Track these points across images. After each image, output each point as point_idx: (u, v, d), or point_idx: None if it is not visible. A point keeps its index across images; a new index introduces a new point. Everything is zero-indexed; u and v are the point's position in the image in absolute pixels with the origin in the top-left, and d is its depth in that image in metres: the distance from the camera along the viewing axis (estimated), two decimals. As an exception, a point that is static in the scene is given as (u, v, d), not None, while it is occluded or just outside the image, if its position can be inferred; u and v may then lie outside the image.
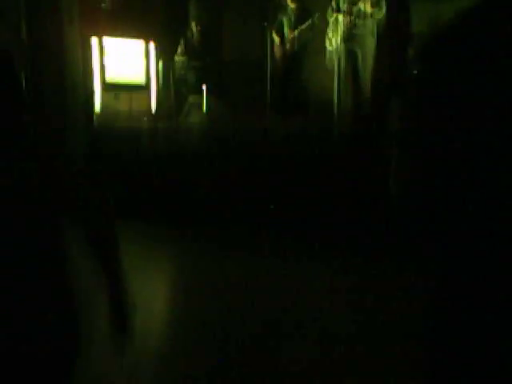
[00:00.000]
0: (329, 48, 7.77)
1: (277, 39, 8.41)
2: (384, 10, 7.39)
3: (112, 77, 8.46)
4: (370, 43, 7.59)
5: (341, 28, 7.50)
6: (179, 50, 9.02)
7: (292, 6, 8.29)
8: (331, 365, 3.66)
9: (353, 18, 7.47)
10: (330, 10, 7.69)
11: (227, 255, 5.74)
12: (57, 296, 1.92)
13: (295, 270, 5.31)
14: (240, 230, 6.21)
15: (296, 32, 8.20)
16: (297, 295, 4.72)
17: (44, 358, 1.87)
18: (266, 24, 8.35)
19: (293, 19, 8.32)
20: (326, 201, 6.26)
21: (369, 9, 7.35)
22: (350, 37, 7.55)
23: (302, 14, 8.26)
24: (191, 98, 7.92)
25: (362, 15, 7.47)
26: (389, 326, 4.11)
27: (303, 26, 8.14)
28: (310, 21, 8.08)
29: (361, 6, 7.42)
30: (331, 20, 7.66)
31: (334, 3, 7.66)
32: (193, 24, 9.08)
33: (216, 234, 6.25)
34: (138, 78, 8.79)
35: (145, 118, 8.15)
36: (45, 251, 1.89)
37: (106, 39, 8.52)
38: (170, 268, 5.90)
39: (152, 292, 4.87)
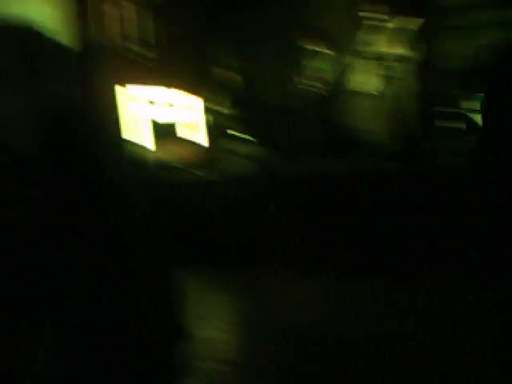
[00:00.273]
0: (368, 90, 7.81)
1: (310, 81, 8.49)
2: (422, 53, 7.44)
3: (157, 126, 8.66)
4: (410, 86, 7.62)
5: (380, 71, 7.55)
6: (219, 99, 9.22)
7: (326, 50, 8.38)
8: None
9: (391, 60, 7.53)
10: (365, 53, 7.76)
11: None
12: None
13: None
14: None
15: (333, 75, 8.26)
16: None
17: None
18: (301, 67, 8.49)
19: (328, 63, 8.40)
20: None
21: (408, 51, 7.42)
22: (389, 79, 7.58)
23: (337, 58, 8.35)
24: (231, 146, 8.05)
25: (400, 58, 7.52)
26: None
27: (339, 69, 8.21)
28: (345, 65, 8.14)
29: (398, 49, 7.48)
30: (369, 63, 7.71)
31: (369, 46, 7.74)
32: (235, 76, 9.28)
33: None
34: (184, 127, 8.99)
35: (191, 169, 8.28)
36: None
37: (151, 89, 8.75)
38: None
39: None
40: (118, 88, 8.23)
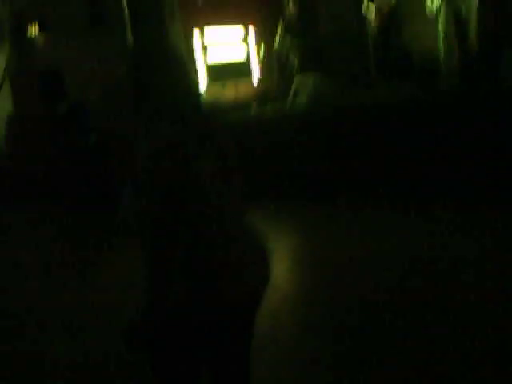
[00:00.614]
0: (430, 7, 7.53)
1: (372, 5, 8.25)
2: None
3: (216, 64, 8.66)
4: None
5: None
6: (278, 30, 9.08)
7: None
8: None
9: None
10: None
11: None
12: None
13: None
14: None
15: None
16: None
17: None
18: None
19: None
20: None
21: None
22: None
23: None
24: (296, 79, 7.93)
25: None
26: None
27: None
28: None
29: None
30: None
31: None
32: (289, 2, 9.10)
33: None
34: (241, 63, 8.97)
35: (253, 103, 8.27)
36: None
37: (207, 29, 8.72)
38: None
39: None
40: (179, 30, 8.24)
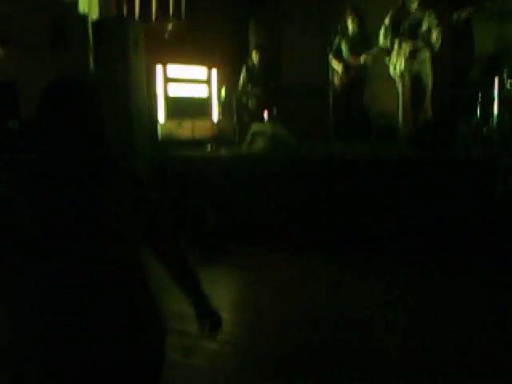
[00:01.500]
0: (392, 72, 7.74)
1: (336, 63, 8.43)
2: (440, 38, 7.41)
3: (175, 103, 8.64)
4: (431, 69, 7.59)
5: (405, 53, 7.48)
6: (241, 77, 9.15)
7: (351, 30, 8.30)
8: None
9: (416, 43, 7.46)
10: (391, 35, 7.66)
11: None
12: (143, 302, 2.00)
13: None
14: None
15: (361, 58, 8.17)
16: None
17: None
18: (327, 49, 8.46)
19: (353, 44, 8.32)
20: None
21: (433, 36, 7.37)
22: (413, 62, 7.53)
23: (362, 39, 8.26)
24: (254, 126, 7.96)
25: (425, 41, 7.46)
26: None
27: (369, 53, 8.10)
28: (375, 48, 8.03)
29: (423, 32, 7.44)
30: (395, 45, 7.62)
31: (395, 29, 7.64)
32: (253, 52, 9.22)
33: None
34: (201, 103, 8.97)
35: (208, 145, 8.24)
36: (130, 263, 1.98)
37: (170, 65, 8.72)
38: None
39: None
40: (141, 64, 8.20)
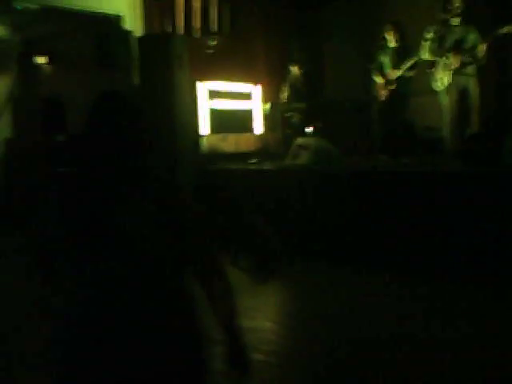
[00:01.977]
0: (437, 86, 7.68)
1: (378, 79, 8.41)
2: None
3: (219, 117, 8.71)
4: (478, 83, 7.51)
5: (451, 68, 7.43)
6: (284, 92, 9.19)
7: (393, 45, 8.28)
8: None
9: (462, 57, 7.39)
10: (435, 50, 7.62)
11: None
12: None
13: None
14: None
15: (400, 71, 8.14)
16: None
17: None
18: (369, 64, 8.45)
19: (394, 58, 8.29)
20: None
21: (479, 51, 7.30)
22: (459, 76, 7.46)
23: (403, 53, 8.23)
24: (299, 140, 7.96)
25: (471, 55, 7.39)
26: None
27: (408, 65, 8.07)
28: (414, 59, 8.01)
29: (468, 47, 7.37)
30: (440, 60, 7.57)
31: (439, 43, 7.59)
32: (295, 67, 9.26)
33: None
34: (244, 118, 9.03)
35: (252, 160, 8.26)
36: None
37: (213, 82, 8.80)
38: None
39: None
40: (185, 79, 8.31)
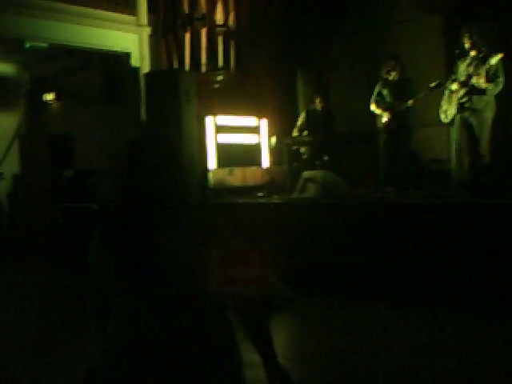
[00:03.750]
0: (443, 119, 7.68)
1: (378, 110, 8.39)
2: (501, 86, 7.25)
3: (226, 151, 8.73)
4: (487, 117, 7.43)
5: (456, 100, 7.41)
6: (298, 123, 9.26)
7: (394, 76, 8.30)
8: None
9: (467, 89, 7.37)
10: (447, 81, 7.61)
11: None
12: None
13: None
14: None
15: (407, 103, 8.14)
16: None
17: None
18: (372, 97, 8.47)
19: (396, 90, 8.31)
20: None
21: (483, 84, 7.25)
22: (465, 109, 7.43)
23: (405, 84, 8.26)
24: (306, 173, 7.97)
25: (477, 89, 7.35)
26: None
27: (415, 97, 8.08)
28: (422, 93, 8.00)
29: (474, 80, 7.33)
30: (446, 91, 7.58)
31: (450, 75, 7.59)
32: (317, 99, 9.35)
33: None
34: (251, 152, 9.06)
35: (259, 194, 8.26)
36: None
37: (220, 116, 8.85)
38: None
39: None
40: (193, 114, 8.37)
